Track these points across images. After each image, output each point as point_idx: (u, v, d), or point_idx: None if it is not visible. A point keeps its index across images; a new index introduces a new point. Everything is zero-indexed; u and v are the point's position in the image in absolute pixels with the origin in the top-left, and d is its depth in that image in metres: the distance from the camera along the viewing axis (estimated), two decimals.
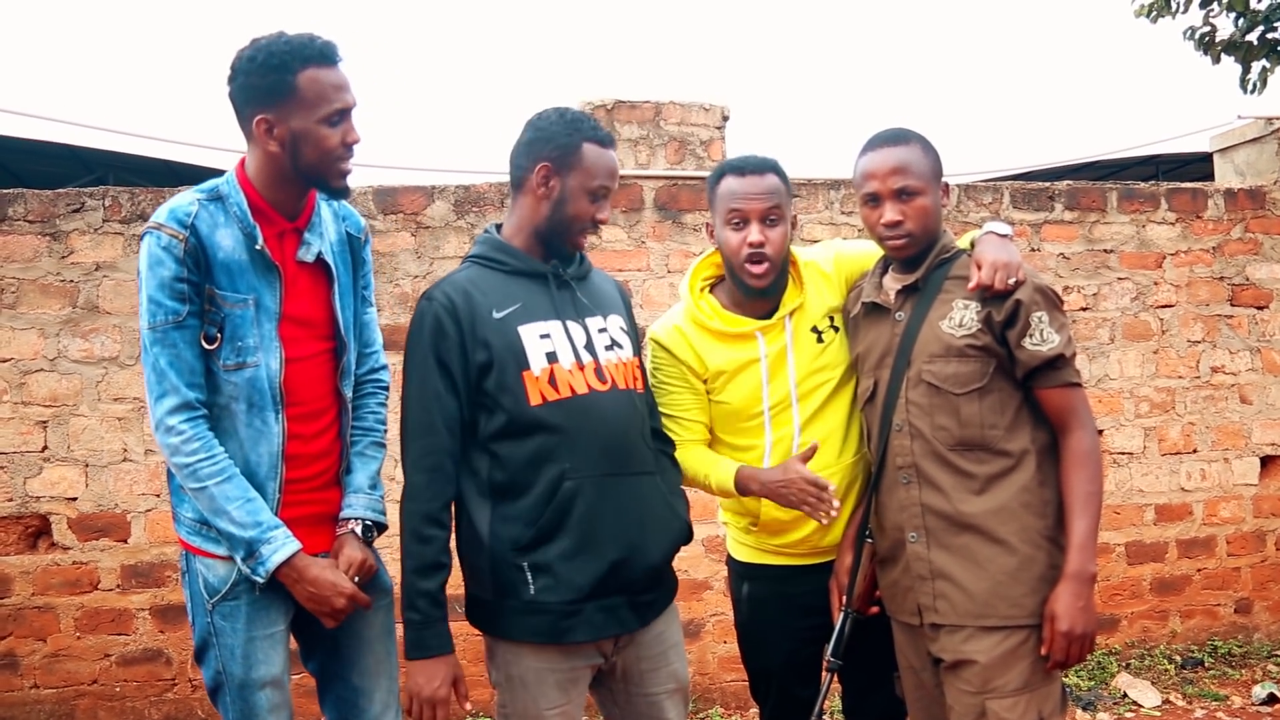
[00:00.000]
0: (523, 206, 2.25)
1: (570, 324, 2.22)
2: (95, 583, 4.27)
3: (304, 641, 2.30)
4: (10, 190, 4.34)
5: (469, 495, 2.18)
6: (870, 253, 2.49)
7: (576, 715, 2.23)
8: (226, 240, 2.08)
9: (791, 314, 2.43)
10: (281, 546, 2.06)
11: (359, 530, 2.22)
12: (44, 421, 4.26)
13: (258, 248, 2.10)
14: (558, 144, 2.20)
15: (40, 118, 8.84)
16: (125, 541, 4.28)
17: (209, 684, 2.16)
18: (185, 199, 2.09)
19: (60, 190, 4.37)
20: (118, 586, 4.28)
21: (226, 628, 2.10)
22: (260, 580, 2.05)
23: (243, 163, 2.16)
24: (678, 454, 2.41)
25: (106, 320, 4.29)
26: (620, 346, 2.29)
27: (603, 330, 2.28)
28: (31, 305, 4.26)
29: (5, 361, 4.24)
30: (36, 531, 4.29)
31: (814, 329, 2.44)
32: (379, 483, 2.32)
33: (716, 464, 2.41)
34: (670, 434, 2.43)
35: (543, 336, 2.17)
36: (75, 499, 4.26)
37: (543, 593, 2.12)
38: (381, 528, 2.29)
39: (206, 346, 2.06)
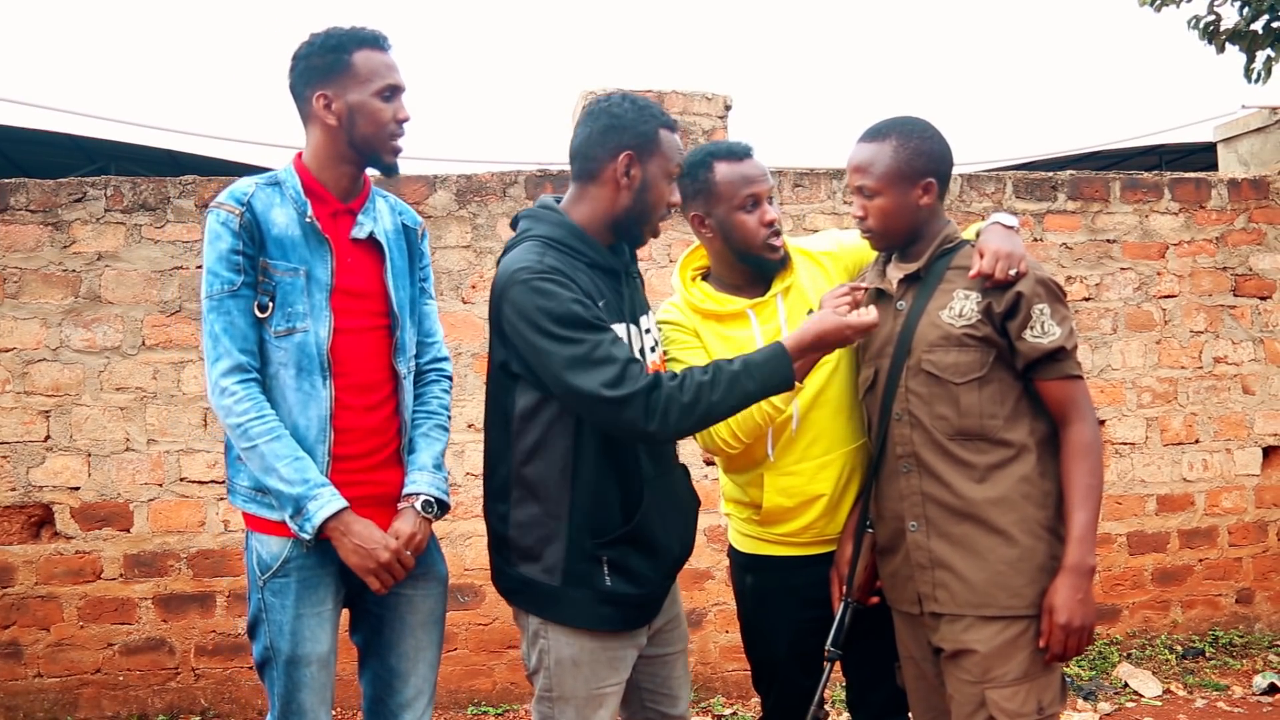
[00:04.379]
0: (597, 197, 2.23)
1: (631, 326, 2.24)
2: (98, 572, 4.29)
3: (354, 615, 2.36)
4: (12, 179, 4.35)
5: (549, 482, 2.17)
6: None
7: (621, 694, 2.26)
8: (280, 218, 2.21)
9: (783, 294, 2.47)
10: (328, 503, 2.12)
11: (419, 506, 2.28)
12: (46, 411, 4.27)
13: (308, 220, 2.21)
14: (637, 131, 2.20)
15: (42, 107, 8.85)
16: (128, 531, 4.30)
17: (257, 658, 2.23)
18: (245, 182, 2.24)
19: (62, 180, 4.38)
20: (120, 576, 4.29)
21: (276, 604, 2.18)
22: (307, 537, 2.11)
23: (300, 154, 2.31)
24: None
25: (109, 310, 4.30)
26: (658, 345, 2.37)
27: (648, 331, 2.32)
28: (34, 295, 4.26)
29: (8, 351, 4.25)
30: (39, 521, 4.30)
31: (810, 311, 2.45)
32: (443, 463, 2.40)
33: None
34: None
35: (621, 339, 2.18)
36: (78, 488, 4.28)
37: (618, 585, 2.16)
38: (444, 507, 2.35)
39: (259, 315, 2.18)
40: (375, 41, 2.24)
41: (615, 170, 2.20)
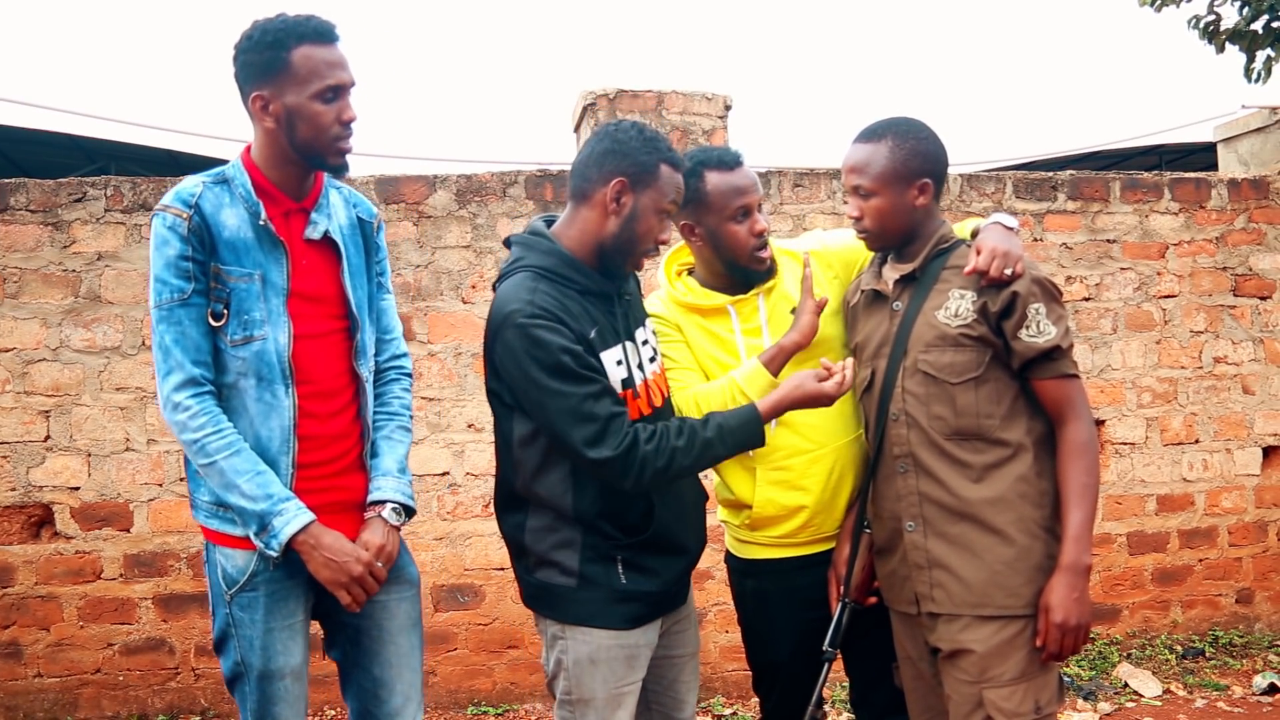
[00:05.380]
0: (586, 220, 2.21)
1: (628, 344, 2.24)
2: (98, 572, 4.29)
3: (328, 629, 2.30)
4: (12, 180, 4.35)
5: (555, 498, 2.18)
6: (851, 238, 2.52)
7: (638, 694, 2.27)
8: (231, 219, 2.10)
9: (765, 294, 2.47)
10: (294, 517, 2.05)
11: (387, 514, 2.22)
12: (46, 411, 4.27)
13: (261, 223, 2.11)
14: (636, 160, 2.17)
15: (42, 107, 8.86)
16: (128, 531, 4.30)
17: (227, 674, 2.17)
18: (191, 181, 2.13)
19: (62, 180, 4.38)
20: (120, 576, 4.29)
21: (245, 619, 2.11)
22: (274, 554, 2.04)
23: (249, 148, 2.19)
24: (687, 396, 2.40)
25: (109, 310, 4.30)
26: (656, 356, 2.35)
27: (645, 342, 2.32)
28: (34, 295, 4.26)
29: (8, 351, 4.25)
30: (39, 521, 4.30)
31: (794, 311, 2.46)
32: (406, 467, 2.34)
33: (732, 372, 2.39)
34: (675, 384, 2.43)
35: (618, 363, 2.20)
36: (78, 488, 4.28)
37: (634, 582, 2.19)
38: (410, 511, 2.29)
39: (214, 324, 2.08)
40: (319, 35, 2.08)
41: (605, 195, 2.18)
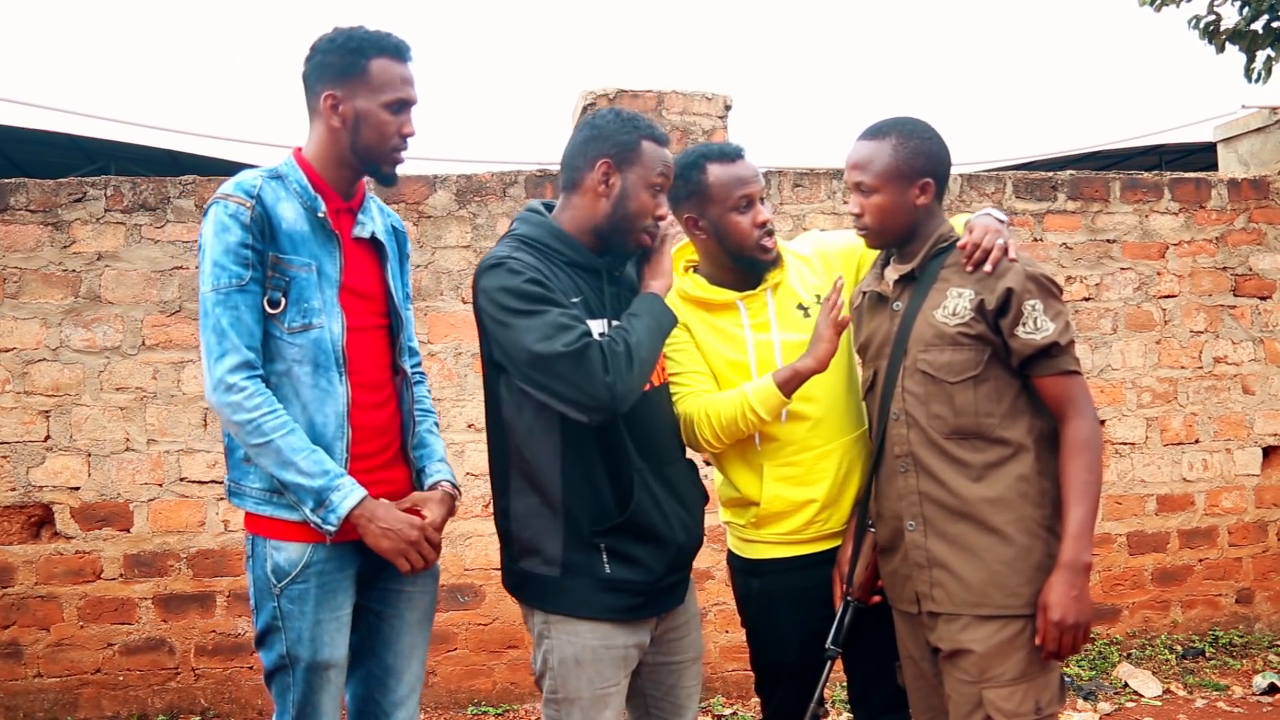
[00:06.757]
0: (580, 206, 2.26)
1: (615, 323, 2.25)
2: (98, 572, 4.29)
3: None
4: (12, 179, 4.35)
5: (542, 473, 2.19)
6: (849, 237, 2.53)
7: (624, 694, 2.27)
8: (289, 212, 2.18)
9: (773, 290, 2.49)
10: (351, 492, 2.11)
11: (450, 490, 2.35)
12: (46, 411, 4.27)
13: (320, 216, 2.20)
14: (616, 141, 2.23)
15: (42, 107, 8.84)
16: (128, 531, 4.30)
17: (269, 667, 2.19)
18: (250, 174, 2.21)
19: (62, 180, 4.38)
20: (120, 576, 4.30)
21: (295, 611, 2.14)
22: (331, 530, 2.09)
23: (299, 149, 2.28)
24: (697, 404, 2.40)
25: (109, 310, 4.30)
26: None
27: None
28: (33, 295, 4.27)
29: (8, 351, 4.25)
30: (39, 521, 4.30)
31: (800, 307, 2.49)
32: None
33: (744, 386, 2.39)
34: (684, 389, 2.44)
35: (600, 334, 2.21)
36: (78, 488, 4.28)
37: (618, 571, 2.18)
38: (454, 498, 2.40)
39: (270, 311, 2.14)
40: (397, 51, 2.22)
41: (593, 179, 2.23)
